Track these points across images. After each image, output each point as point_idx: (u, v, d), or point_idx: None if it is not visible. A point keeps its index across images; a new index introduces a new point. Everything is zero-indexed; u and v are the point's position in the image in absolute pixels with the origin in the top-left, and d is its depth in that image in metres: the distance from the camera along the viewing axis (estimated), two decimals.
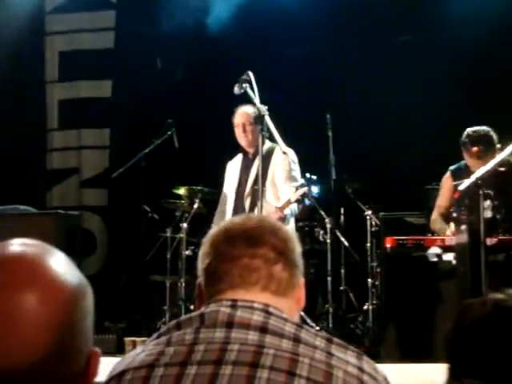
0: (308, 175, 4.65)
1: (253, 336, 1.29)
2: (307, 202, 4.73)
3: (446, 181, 4.97)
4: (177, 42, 7.27)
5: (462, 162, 4.89)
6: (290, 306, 1.44)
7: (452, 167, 4.95)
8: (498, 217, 4.57)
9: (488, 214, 4.37)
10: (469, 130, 4.76)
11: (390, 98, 6.88)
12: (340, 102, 6.68)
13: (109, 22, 8.02)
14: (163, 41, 7.38)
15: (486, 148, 4.64)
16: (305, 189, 4.53)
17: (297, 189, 4.57)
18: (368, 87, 6.94)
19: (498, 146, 4.66)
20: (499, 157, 4.12)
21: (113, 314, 6.65)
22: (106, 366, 1.30)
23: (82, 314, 0.97)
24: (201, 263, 1.49)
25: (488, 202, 4.41)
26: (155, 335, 1.39)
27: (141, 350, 1.36)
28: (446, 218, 4.80)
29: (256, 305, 1.35)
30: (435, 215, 4.92)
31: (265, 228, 1.46)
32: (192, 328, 1.33)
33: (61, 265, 0.97)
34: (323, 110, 5.83)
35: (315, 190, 4.59)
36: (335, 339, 1.34)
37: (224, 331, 1.31)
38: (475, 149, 4.62)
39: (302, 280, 1.50)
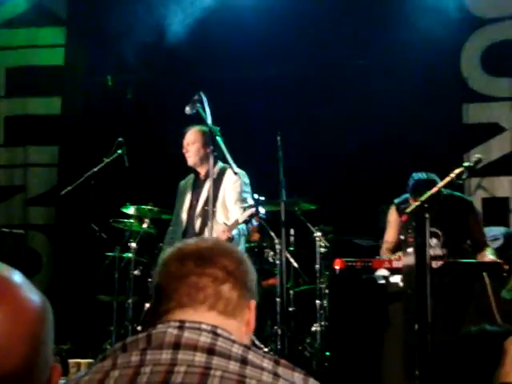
0: (256, 196, 4.67)
1: (200, 358, 1.28)
2: (255, 223, 4.74)
3: (391, 215, 4.99)
4: (128, 60, 7.24)
5: (406, 195, 4.90)
6: (238, 328, 1.44)
7: (396, 200, 4.97)
8: (442, 240, 4.66)
9: (433, 241, 4.46)
10: (415, 177, 4.70)
11: (341, 120, 6.99)
12: (291, 123, 6.74)
13: (59, 38, 7.93)
14: (114, 58, 7.34)
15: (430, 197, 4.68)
16: (252, 209, 4.54)
17: (245, 210, 4.58)
18: (320, 109, 7.03)
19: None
20: (443, 181, 4.20)
21: (57, 335, 6.48)
22: None
23: (50, 327, 1.00)
24: (153, 283, 1.50)
25: (433, 229, 4.47)
26: (100, 357, 1.37)
27: (85, 373, 1.34)
28: (394, 252, 4.84)
29: (204, 326, 1.34)
30: (382, 251, 4.97)
31: (218, 249, 1.47)
32: (138, 350, 1.32)
33: (23, 281, 1.00)
34: (274, 131, 5.85)
35: (263, 210, 4.60)
36: (282, 361, 1.34)
37: (171, 353, 1.30)
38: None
39: (253, 303, 1.50)
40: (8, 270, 1.00)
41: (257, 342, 5.50)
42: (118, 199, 6.50)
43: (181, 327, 1.34)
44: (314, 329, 5.85)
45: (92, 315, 6.59)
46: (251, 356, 1.31)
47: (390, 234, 4.94)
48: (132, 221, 6.26)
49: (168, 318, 1.38)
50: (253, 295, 1.50)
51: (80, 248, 7.03)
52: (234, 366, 1.28)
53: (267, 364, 1.31)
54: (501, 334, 1.15)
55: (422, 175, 4.69)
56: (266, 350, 5.42)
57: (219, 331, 1.34)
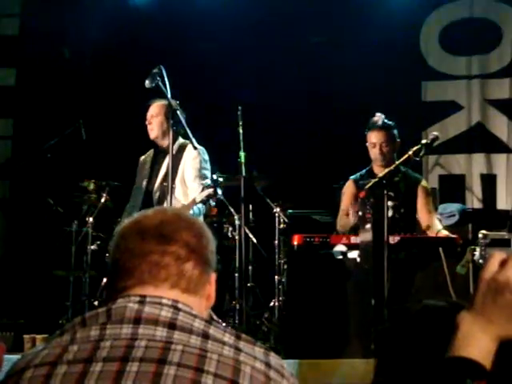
0: (215, 176, 4.66)
1: (161, 332, 1.28)
2: (212, 203, 4.73)
3: (348, 187, 5.06)
4: (86, 32, 7.10)
5: (362, 171, 5.00)
6: (200, 304, 1.43)
7: (352, 176, 5.05)
8: (397, 216, 4.73)
9: (389, 213, 4.50)
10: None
11: (301, 96, 7.00)
12: (252, 99, 6.72)
13: (14, 7, 7.72)
14: (72, 30, 7.19)
15: (388, 125, 4.83)
16: (210, 190, 4.53)
17: (203, 189, 4.56)
18: (280, 85, 7.02)
19: (398, 140, 4.83)
20: (402, 158, 4.24)
21: (12, 310, 6.43)
22: (2, 364, 1.25)
23: None
24: (110, 257, 1.46)
25: (390, 203, 4.53)
26: (58, 332, 1.35)
27: (42, 347, 1.32)
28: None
29: (165, 301, 1.33)
30: (339, 218, 5.03)
31: (179, 223, 1.44)
32: (98, 324, 1.30)
33: None
34: (235, 106, 5.82)
35: (220, 192, 4.59)
36: (243, 335, 1.35)
37: (131, 327, 1.28)
38: (378, 115, 4.81)
39: (213, 276, 1.49)
40: None
41: (215, 317, 5.51)
42: (76, 173, 6.42)
43: (141, 302, 1.33)
44: (272, 304, 5.89)
45: (48, 290, 6.52)
46: (212, 331, 1.31)
47: (346, 204, 5.01)
48: (90, 195, 6.19)
49: (128, 293, 1.37)
50: (213, 268, 1.49)
51: (36, 222, 6.92)
52: (195, 340, 1.28)
53: (228, 338, 1.31)
54: (453, 309, 1.16)
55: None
56: (223, 324, 5.43)
57: (180, 306, 1.33)
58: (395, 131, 4.88)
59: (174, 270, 1.39)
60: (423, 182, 4.99)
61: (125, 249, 1.42)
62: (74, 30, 7.16)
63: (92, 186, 6.13)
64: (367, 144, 4.91)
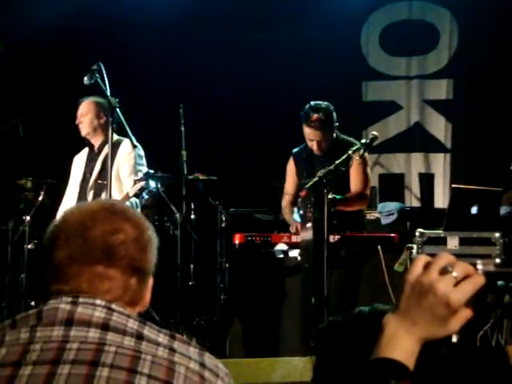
0: (146, 169, 4.62)
1: (94, 333, 1.26)
2: (145, 195, 4.69)
3: (289, 165, 5.07)
4: (23, 25, 6.93)
5: (303, 144, 4.95)
6: (135, 311, 1.42)
7: (294, 150, 5.06)
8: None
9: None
10: (305, 107, 4.82)
11: (242, 94, 7.00)
12: (193, 97, 6.69)
13: None
14: (7, 23, 7.01)
15: (326, 118, 4.70)
16: (142, 183, 4.50)
17: (135, 183, 4.53)
18: (222, 83, 7.01)
19: (336, 124, 4.80)
20: (341, 158, 4.27)
21: None
22: None
23: None
24: (45, 250, 1.41)
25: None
26: None
27: None
28: (294, 204, 4.90)
29: (98, 301, 1.31)
30: (284, 203, 5.02)
31: (125, 232, 1.39)
32: (28, 326, 1.27)
33: None
34: (176, 104, 5.79)
35: (153, 184, 4.56)
36: (178, 335, 1.34)
37: (63, 329, 1.26)
38: (315, 116, 4.67)
39: (151, 281, 1.47)
40: None
41: (154, 315, 5.47)
42: (13, 171, 6.28)
43: (74, 302, 1.30)
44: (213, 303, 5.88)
45: None
46: (146, 331, 1.30)
47: (288, 186, 5.02)
48: (27, 193, 6.07)
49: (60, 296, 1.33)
50: (152, 272, 1.47)
51: None
52: (129, 341, 1.27)
53: (163, 339, 1.30)
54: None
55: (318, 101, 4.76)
56: (164, 323, 5.40)
57: (113, 306, 1.32)
58: (333, 117, 4.76)
59: (119, 283, 1.37)
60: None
61: (64, 249, 1.37)
62: (10, 23, 6.97)
63: (29, 184, 6.02)
64: (303, 129, 4.81)
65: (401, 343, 1.10)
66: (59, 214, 5.04)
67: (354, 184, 4.73)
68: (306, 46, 7.07)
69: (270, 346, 4.37)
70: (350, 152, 4.29)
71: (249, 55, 7.19)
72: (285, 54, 7.10)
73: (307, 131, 4.75)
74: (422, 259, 1.12)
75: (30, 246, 5.79)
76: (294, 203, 4.89)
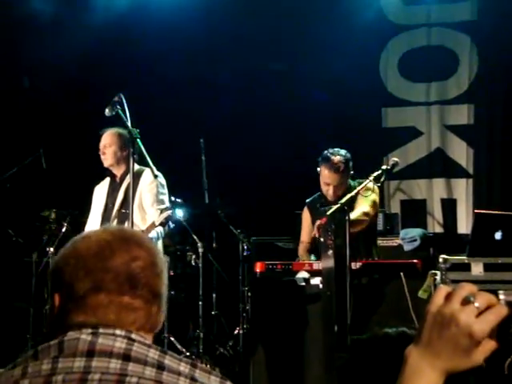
0: (173, 198, 4.64)
1: (115, 364, 1.26)
2: (171, 225, 4.70)
3: (304, 215, 5.07)
4: (46, 61, 7.06)
5: (317, 194, 4.99)
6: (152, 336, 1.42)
7: (308, 200, 5.07)
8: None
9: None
10: (325, 152, 4.82)
11: (262, 124, 7.04)
12: (214, 126, 6.74)
13: None
14: (31, 58, 7.14)
15: (346, 163, 4.72)
16: (169, 212, 4.51)
17: (161, 212, 4.55)
18: (241, 113, 7.05)
19: (352, 172, 4.80)
20: (362, 184, 4.27)
21: None
22: None
23: None
24: (66, 285, 1.39)
25: None
26: (11, 365, 1.32)
27: None
28: (311, 252, 4.91)
29: (118, 331, 1.31)
30: (301, 251, 5.03)
31: (143, 259, 1.41)
32: (50, 358, 1.27)
33: None
34: (197, 134, 5.85)
35: (180, 213, 4.57)
36: (199, 364, 1.34)
37: (84, 360, 1.26)
38: (337, 158, 4.69)
39: (164, 303, 1.48)
40: None
41: (178, 346, 5.46)
42: (36, 203, 6.34)
43: (95, 333, 1.30)
44: (236, 332, 5.86)
45: (9, 322, 6.39)
46: (168, 361, 1.30)
47: (304, 234, 5.01)
48: (51, 225, 6.12)
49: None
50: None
51: None
52: (150, 371, 1.26)
53: (184, 368, 1.30)
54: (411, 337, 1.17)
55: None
56: (187, 353, 5.38)
57: (133, 336, 1.32)
58: (350, 164, 4.79)
59: (142, 313, 1.38)
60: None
61: (87, 281, 1.37)
62: (34, 58, 7.10)
63: (53, 216, 6.07)
64: (319, 174, 4.83)
65: (424, 377, 1.09)
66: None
67: (358, 204, 4.67)
68: (324, 74, 7.10)
69: (293, 375, 4.33)
70: (370, 178, 4.28)
71: (268, 85, 7.23)
72: (302, 83, 7.13)
73: (325, 174, 4.75)
74: (444, 290, 1.10)
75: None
76: (310, 251, 4.91)
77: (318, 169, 4.81)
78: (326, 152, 4.79)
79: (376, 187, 4.47)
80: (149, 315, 1.39)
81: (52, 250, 5.84)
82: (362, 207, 4.53)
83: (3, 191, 6.24)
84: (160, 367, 1.27)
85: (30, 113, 7.23)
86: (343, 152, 4.79)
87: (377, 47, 7.50)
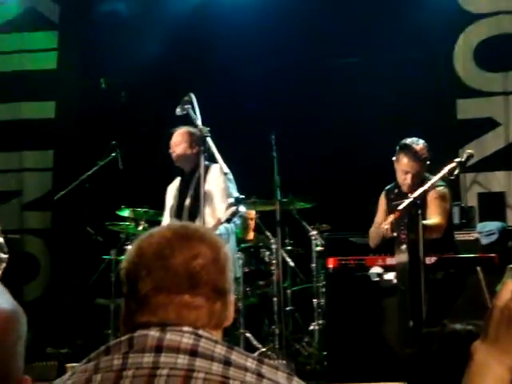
0: (237, 194, 4.66)
1: (182, 360, 1.28)
2: (237, 221, 4.72)
3: (381, 200, 5.04)
4: (121, 63, 7.23)
5: (393, 183, 4.95)
6: (221, 332, 1.43)
7: (387, 187, 5.03)
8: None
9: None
10: (403, 140, 4.80)
11: (334, 118, 6.99)
12: (285, 122, 6.74)
13: (51, 42, 7.93)
14: (107, 61, 7.33)
15: (426, 152, 4.70)
16: (233, 208, 4.52)
17: (227, 208, 4.58)
18: (313, 107, 7.03)
19: (428, 162, 4.72)
20: (435, 178, 4.19)
21: (55, 340, 6.51)
22: None
23: (15, 338, 0.98)
24: (127, 281, 1.43)
25: None
26: (85, 360, 1.36)
27: (68, 377, 1.33)
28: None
29: (186, 328, 1.34)
30: (372, 229, 4.98)
31: (204, 256, 1.41)
32: (120, 353, 1.31)
33: None
34: (267, 130, 5.85)
35: (243, 209, 4.58)
36: (266, 360, 1.34)
37: (153, 355, 1.28)
38: (418, 147, 4.67)
39: (232, 298, 1.48)
40: None
41: (254, 342, 5.50)
42: (114, 202, 6.50)
43: (163, 329, 1.33)
44: (311, 328, 5.84)
45: (90, 319, 6.58)
46: (234, 356, 1.30)
47: (379, 218, 4.96)
48: (128, 223, 6.25)
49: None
50: (231, 289, 1.47)
51: (76, 252, 7.02)
52: (217, 367, 1.27)
53: (251, 364, 1.30)
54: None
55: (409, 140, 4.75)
56: (263, 349, 5.41)
57: (201, 332, 1.33)
58: (429, 154, 4.76)
59: (205, 311, 1.38)
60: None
61: (148, 281, 1.39)
62: (110, 60, 7.29)
63: (130, 214, 6.20)
64: (395, 163, 4.80)
65: (491, 373, 1.07)
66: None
67: (429, 213, 4.60)
68: (395, 66, 7.00)
69: (368, 371, 4.30)
70: (444, 171, 4.21)
71: (339, 78, 7.18)
72: (376, 75, 7.05)
73: (405, 162, 4.71)
74: (511, 284, 1.08)
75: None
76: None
77: (394, 158, 4.77)
78: (404, 140, 4.76)
79: (447, 192, 4.47)
80: (212, 312, 1.39)
81: (130, 247, 5.97)
82: (435, 218, 4.49)
83: (82, 191, 6.42)
84: (227, 363, 1.28)
85: (107, 114, 7.42)
86: (422, 141, 4.76)
87: (451, 37, 7.33)
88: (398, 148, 4.77)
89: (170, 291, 1.37)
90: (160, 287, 1.38)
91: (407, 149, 4.69)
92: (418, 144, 4.70)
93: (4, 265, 4.26)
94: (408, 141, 4.75)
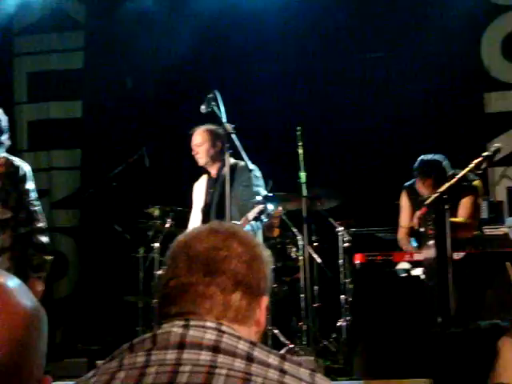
0: (265, 192, 4.65)
1: (205, 356, 1.28)
2: (265, 219, 4.71)
3: (402, 198, 5.01)
4: (147, 61, 7.27)
5: (413, 180, 4.94)
6: (249, 331, 1.43)
7: (406, 184, 4.99)
8: None
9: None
10: (421, 158, 4.79)
11: (360, 114, 6.96)
12: (311, 118, 6.72)
13: (78, 42, 8.00)
14: (133, 60, 7.38)
15: (437, 180, 4.68)
16: (261, 206, 4.52)
17: (254, 206, 4.57)
18: (339, 104, 7.00)
19: (450, 172, 4.69)
20: (462, 172, 4.16)
21: (86, 337, 6.57)
22: None
23: (36, 336, 0.98)
24: (161, 276, 1.48)
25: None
26: (109, 357, 1.37)
27: (92, 374, 1.34)
28: (410, 235, 4.85)
29: (209, 324, 1.34)
30: (401, 235, 4.96)
31: (230, 249, 1.43)
32: (144, 350, 1.31)
33: (18, 287, 1.00)
34: (294, 127, 5.84)
35: (271, 207, 4.57)
36: (288, 356, 1.33)
37: (176, 352, 1.29)
38: (427, 182, 4.69)
39: (264, 300, 1.48)
40: (3, 275, 1.01)
41: (282, 339, 5.50)
42: (141, 200, 6.54)
43: (186, 326, 1.34)
44: (339, 324, 5.83)
45: (119, 316, 6.64)
46: (257, 352, 1.30)
47: (403, 219, 4.94)
48: (155, 221, 6.29)
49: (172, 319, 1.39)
50: (265, 291, 1.47)
51: (105, 249, 7.08)
52: (239, 363, 1.27)
53: (273, 360, 1.30)
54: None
55: (426, 156, 4.75)
56: (291, 346, 5.41)
57: (224, 328, 1.34)
58: (445, 171, 4.77)
59: (219, 300, 1.39)
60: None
61: (172, 274, 1.43)
62: (136, 59, 7.33)
63: (157, 212, 6.23)
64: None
65: None
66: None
67: (461, 212, 4.57)
68: (424, 59, 6.94)
69: (396, 367, 4.27)
70: (471, 166, 4.18)
71: (365, 73, 7.14)
72: (402, 70, 6.99)
73: (420, 185, 4.80)
74: None
75: (160, 272, 5.98)
76: (409, 235, 4.85)
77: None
78: (417, 165, 4.84)
79: (479, 185, 4.44)
80: (227, 304, 1.40)
81: (157, 245, 6.01)
82: (464, 217, 4.46)
83: (110, 189, 6.47)
84: (249, 359, 1.28)
85: (133, 113, 7.47)
86: (435, 163, 4.78)
87: (478, 30, 7.23)
88: (416, 168, 4.86)
89: (186, 279, 1.40)
90: (179, 275, 1.42)
91: (419, 176, 4.84)
92: (430, 175, 4.80)
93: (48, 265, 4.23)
94: (420, 165, 4.88)
